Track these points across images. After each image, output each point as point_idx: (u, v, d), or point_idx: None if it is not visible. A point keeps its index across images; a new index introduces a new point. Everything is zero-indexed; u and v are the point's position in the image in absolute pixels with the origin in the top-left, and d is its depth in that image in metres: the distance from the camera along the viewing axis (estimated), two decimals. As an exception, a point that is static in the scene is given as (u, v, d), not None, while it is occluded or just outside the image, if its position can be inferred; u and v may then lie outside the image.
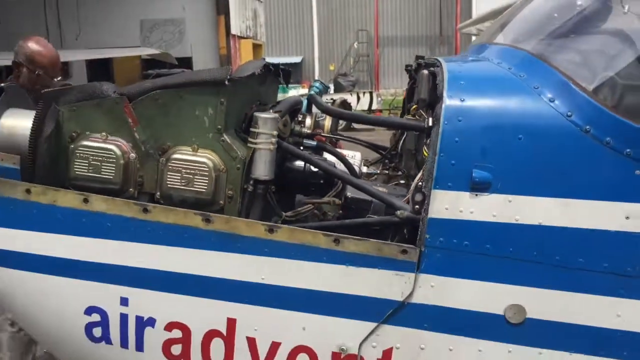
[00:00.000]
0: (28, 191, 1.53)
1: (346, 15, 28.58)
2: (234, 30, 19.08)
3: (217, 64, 19.09)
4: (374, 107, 17.65)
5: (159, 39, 19.34)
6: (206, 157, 1.54)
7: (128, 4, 18.38)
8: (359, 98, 17.35)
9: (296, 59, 28.70)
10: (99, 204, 1.50)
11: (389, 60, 27.77)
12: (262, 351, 1.49)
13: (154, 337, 1.54)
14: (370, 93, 18.16)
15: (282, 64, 1.94)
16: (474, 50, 1.89)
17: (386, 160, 2.20)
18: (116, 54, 16.45)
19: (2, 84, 2.98)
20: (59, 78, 3.01)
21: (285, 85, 2.10)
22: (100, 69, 18.69)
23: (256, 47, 20.59)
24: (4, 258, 1.55)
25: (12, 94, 1.98)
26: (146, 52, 17.75)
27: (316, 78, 22.77)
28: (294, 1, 28.38)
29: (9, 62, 3.44)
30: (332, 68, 26.17)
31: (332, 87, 16.93)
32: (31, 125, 1.63)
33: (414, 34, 27.48)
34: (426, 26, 27.35)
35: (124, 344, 1.55)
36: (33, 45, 2.99)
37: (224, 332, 1.50)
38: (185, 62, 19.07)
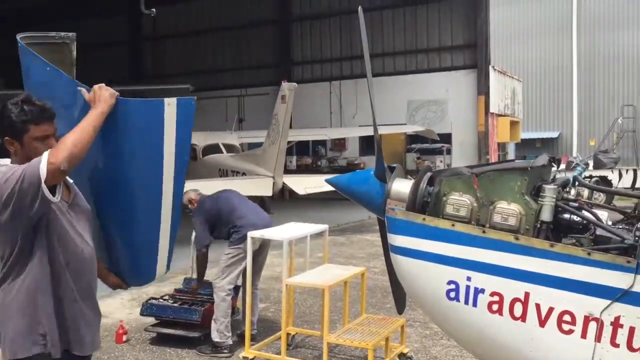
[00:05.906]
0: (423, 219, 3.09)
1: (610, 90, 27.78)
2: (493, 108, 20.30)
3: (475, 139, 20.50)
4: (639, 184, 17.06)
5: (423, 117, 21.61)
6: (516, 207, 2.93)
7: (398, 88, 21.05)
8: (620, 175, 17.03)
9: (553, 134, 28.55)
10: (461, 227, 2.99)
11: (659, 136, 26.03)
12: (543, 312, 2.78)
13: (482, 299, 2.93)
14: (635, 170, 17.64)
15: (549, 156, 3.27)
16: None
17: (627, 219, 3.33)
18: (385, 130, 18.89)
19: None
20: None
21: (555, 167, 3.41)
22: (371, 142, 21.51)
23: (513, 124, 21.42)
24: (409, 252, 3.12)
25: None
26: (412, 129, 20.06)
27: (574, 154, 22.56)
28: (554, 78, 28.57)
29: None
30: (592, 143, 25.56)
31: (591, 163, 16.92)
32: (411, 186, 3.22)
33: (691, 107, 25.51)
34: None
35: (467, 302, 2.97)
36: None
37: (522, 299, 2.82)
38: (445, 138, 20.97)
